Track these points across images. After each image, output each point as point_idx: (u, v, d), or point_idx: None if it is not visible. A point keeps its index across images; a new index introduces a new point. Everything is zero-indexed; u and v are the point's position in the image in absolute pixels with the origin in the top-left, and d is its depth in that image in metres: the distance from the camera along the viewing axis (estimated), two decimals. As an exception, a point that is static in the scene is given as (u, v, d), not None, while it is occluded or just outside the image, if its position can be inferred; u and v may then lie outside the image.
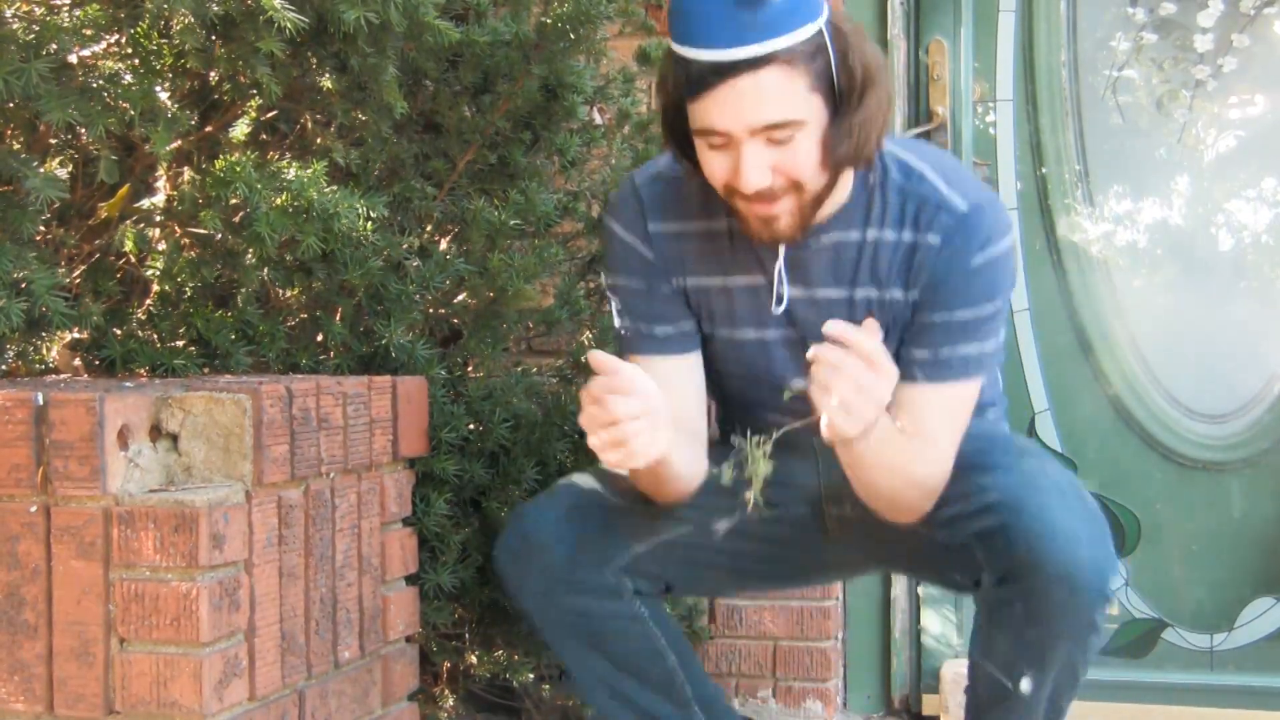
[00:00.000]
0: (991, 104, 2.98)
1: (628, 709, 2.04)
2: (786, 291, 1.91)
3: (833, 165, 1.79)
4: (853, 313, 1.89)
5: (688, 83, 1.74)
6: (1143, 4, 2.94)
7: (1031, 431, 2.96)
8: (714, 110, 1.73)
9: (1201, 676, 2.90)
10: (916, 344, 1.88)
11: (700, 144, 1.79)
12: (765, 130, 1.73)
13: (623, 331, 2.01)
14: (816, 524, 2.05)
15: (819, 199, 1.82)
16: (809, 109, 1.74)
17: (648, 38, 2.64)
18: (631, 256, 1.97)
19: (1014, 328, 2.96)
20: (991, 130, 2.98)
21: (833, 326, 1.71)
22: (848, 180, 1.87)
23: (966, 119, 2.96)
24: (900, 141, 1.94)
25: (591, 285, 2.56)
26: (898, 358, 1.84)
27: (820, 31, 1.74)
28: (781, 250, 1.89)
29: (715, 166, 1.79)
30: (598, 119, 2.59)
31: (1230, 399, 2.91)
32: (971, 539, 1.85)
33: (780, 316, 1.93)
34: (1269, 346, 2.90)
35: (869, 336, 1.72)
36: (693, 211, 1.95)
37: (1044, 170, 2.98)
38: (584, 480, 2.05)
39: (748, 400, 2.02)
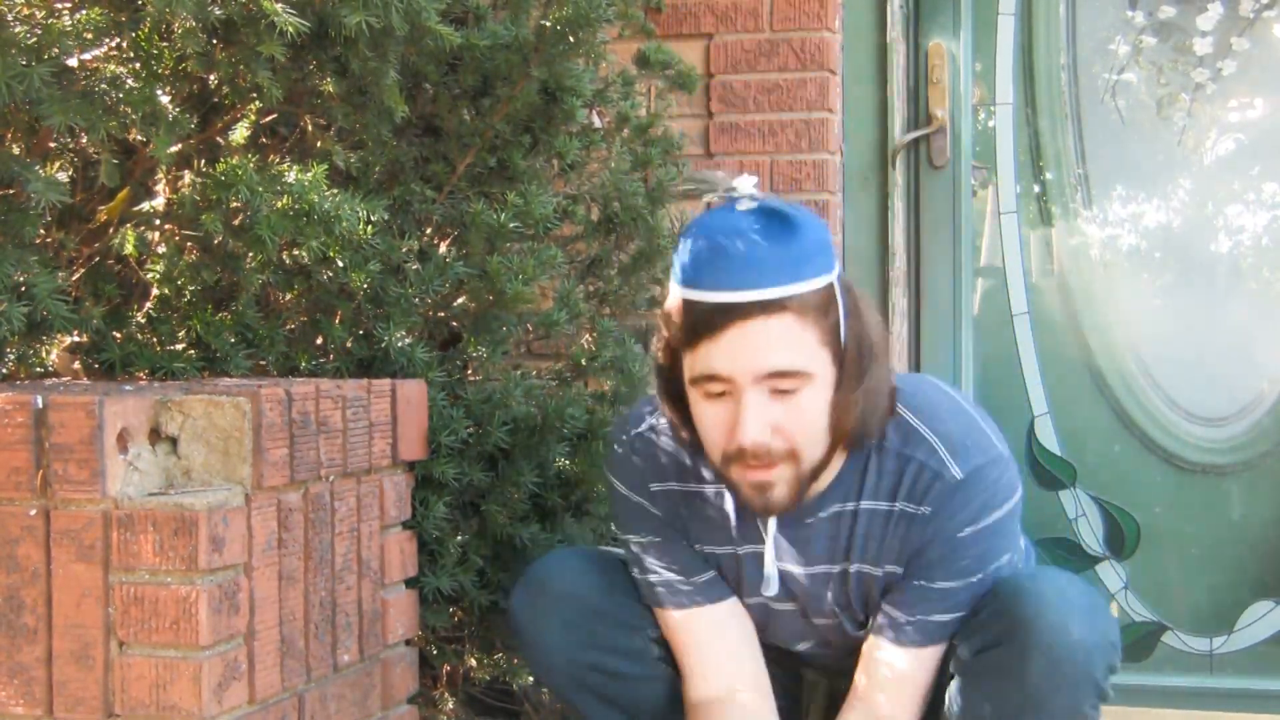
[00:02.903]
0: (991, 107, 2.99)
1: None
2: (776, 573, 1.84)
3: (835, 437, 1.71)
4: (843, 584, 1.83)
5: (692, 328, 1.65)
6: (1142, 7, 2.94)
7: (1031, 434, 2.97)
8: (718, 353, 1.63)
9: (1201, 680, 2.90)
10: (892, 601, 1.82)
11: (696, 398, 1.69)
12: (771, 378, 1.64)
13: (656, 589, 1.92)
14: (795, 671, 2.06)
15: (816, 471, 1.74)
16: (818, 364, 1.66)
17: (647, 40, 2.64)
18: (642, 515, 1.91)
19: (1014, 331, 2.96)
20: (991, 133, 2.98)
21: None
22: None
23: (966, 122, 2.96)
24: (911, 387, 1.83)
25: (591, 288, 2.56)
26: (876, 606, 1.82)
27: (832, 285, 1.67)
28: (771, 527, 1.81)
29: (711, 421, 1.69)
30: (597, 122, 2.58)
31: (1229, 402, 2.91)
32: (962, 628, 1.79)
33: (779, 590, 1.87)
34: (1268, 349, 2.90)
35: None
36: (693, 473, 1.87)
37: (1044, 174, 2.98)
38: (598, 550, 2.01)
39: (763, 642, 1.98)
